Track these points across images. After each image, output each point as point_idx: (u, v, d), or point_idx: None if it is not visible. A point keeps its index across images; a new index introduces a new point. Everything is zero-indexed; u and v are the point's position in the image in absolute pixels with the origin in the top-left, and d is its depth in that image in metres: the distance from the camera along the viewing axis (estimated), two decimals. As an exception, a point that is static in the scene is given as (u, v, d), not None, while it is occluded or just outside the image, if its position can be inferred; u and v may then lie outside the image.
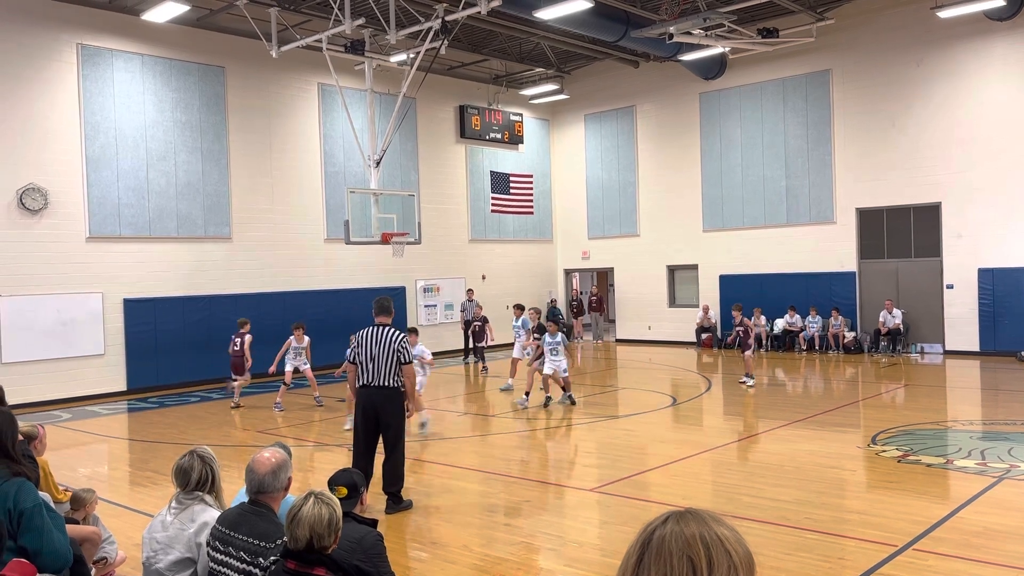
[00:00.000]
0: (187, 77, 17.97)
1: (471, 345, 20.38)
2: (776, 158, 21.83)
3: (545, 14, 16.89)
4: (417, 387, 11.54)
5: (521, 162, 25.86)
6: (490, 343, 19.21)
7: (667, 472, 9.11)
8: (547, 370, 13.50)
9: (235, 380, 14.66)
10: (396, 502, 7.79)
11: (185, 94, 17.94)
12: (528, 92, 25.23)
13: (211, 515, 4.13)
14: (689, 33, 18.00)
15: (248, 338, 14.48)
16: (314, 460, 10.30)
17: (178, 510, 4.19)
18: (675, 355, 20.73)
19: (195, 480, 4.21)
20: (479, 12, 15.44)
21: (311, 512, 3.32)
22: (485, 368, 18.74)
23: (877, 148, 20.06)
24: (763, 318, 21.48)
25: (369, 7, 16.90)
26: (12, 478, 3.83)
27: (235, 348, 14.48)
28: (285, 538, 3.43)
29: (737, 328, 15.95)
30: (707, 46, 19.64)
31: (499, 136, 24.86)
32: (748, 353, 15.54)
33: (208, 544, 3.93)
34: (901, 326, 19.57)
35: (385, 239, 16.23)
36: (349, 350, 8.09)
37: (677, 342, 21.72)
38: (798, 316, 21.08)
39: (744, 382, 15.31)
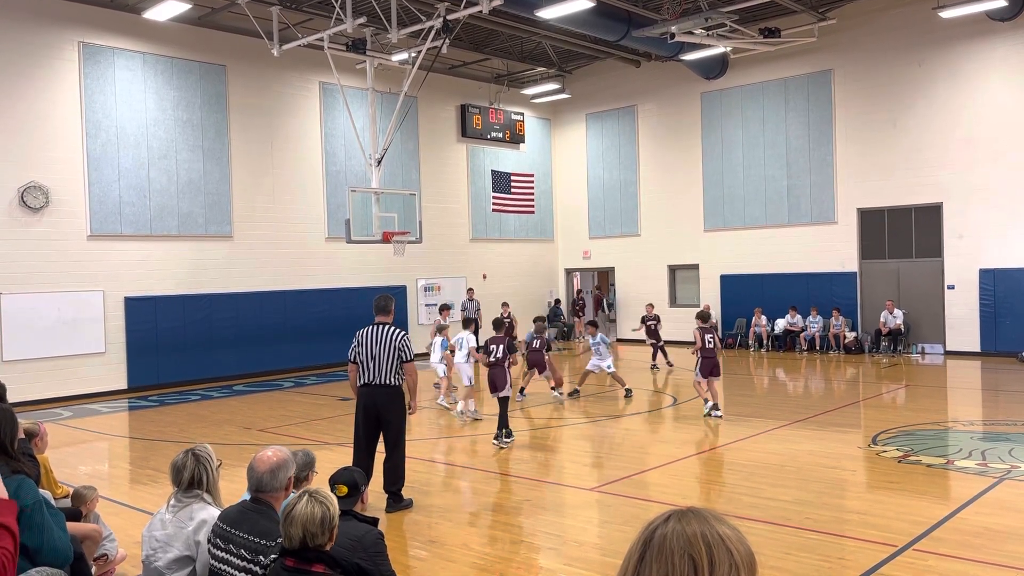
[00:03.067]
0: (188, 75, 17.97)
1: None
2: (777, 158, 21.82)
3: (547, 13, 16.87)
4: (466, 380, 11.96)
5: (522, 161, 25.85)
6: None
7: (667, 472, 9.11)
8: (591, 367, 14.41)
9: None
10: (397, 501, 7.80)
11: (186, 92, 17.93)
12: (529, 91, 25.21)
13: (210, 513, 4.13)
14: (691, 33, 17.99)
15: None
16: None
17: (177, 508, 4.19)
18: (676, 355, 20.71)
19: (187, 479, 4.20)
20: (481, 11, 15.42)
21: (304, 511, 3.30)
22: None
23: (878, 148, 20.05)
24: (763, 318, 21.50)
25: (371, 6, 16.89)
26: (11, 475, 3.83)
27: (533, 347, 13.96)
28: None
29: (706, 337, 12.59)
30: (709, 46, 19.63)
31: (500, 135, 24.85)
32: (701, 380, 12.38)
33: (209, 541, 3.94)
34: (902, 326, 19.55)
35: (386, 238, 16.22)
36: (351, 349, 8.08)
37: (678, 342, 21.67)
38: (799, 316, 21.08)
39: (715, 414, 12.16)
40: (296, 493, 3.44)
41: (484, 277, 24.16)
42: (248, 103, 18.96)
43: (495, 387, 10.97)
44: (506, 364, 11.01)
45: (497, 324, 12.00)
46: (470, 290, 22.20)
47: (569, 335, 26.03)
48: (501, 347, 11.06)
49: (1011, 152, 18.20)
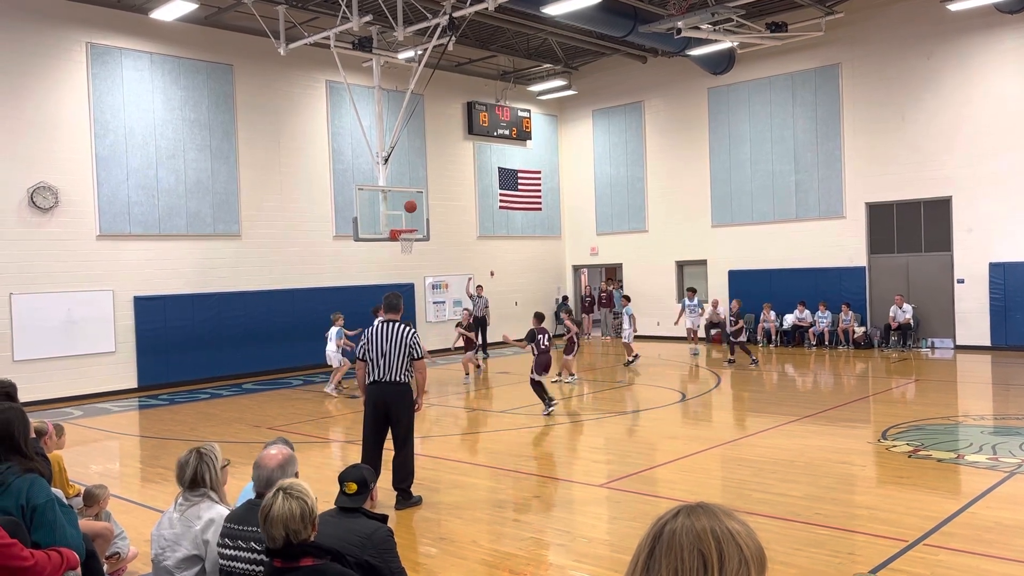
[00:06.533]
0: (196, 75, 18.02)
1: (480, 340, 20.35)
2: (785, 153, 21.75)
3: (553, 9, 16.85)
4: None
5: (529, 158, 25.84)
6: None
7: (677, 468, 9.10)
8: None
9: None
10: (406, 498, 7.81)
11: (194, 92, 17.98)
12: (536, 88, 25.18)
13: (217, 512, 4.15)
14: (697, 28, 17.93)
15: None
16: (323, 456, 10.33)
17: (184, 507, 4.21)
18: (684, 350, 20.70)
19: (189, 476, 4.22)
20: (487, 8, 15.42)
21: (282, 510, 3.23)
22: (480, 366, 18.58)
23: (887, 142, 19.96)
24: (772, 313, 21.44)
25: (376, 4, 16.90)
26: (25, 474, 3.86)
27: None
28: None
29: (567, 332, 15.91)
30: (715, 41, 19.56)
31: (507, 132, 24.84)
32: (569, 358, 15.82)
33: (219, 543, 3.95)
34: (911, 321, 19.47)
35: (393, 236, 16.23)
36: (359, 347, 8.10)
37: (687, 338, 21.64)
38: (807, 311, 21.01)
39: (567, 380, 15.71)
40: (270, 493, 3.37)
41: (492, 274, 24.17)
42: (255, 102, 19.00)
43: (546, 370, 12.99)
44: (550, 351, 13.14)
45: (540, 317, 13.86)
46: (479, 287, 22.20)
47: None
48: (547, 336, 13.22)
49: (1020, 144, 18.08)
